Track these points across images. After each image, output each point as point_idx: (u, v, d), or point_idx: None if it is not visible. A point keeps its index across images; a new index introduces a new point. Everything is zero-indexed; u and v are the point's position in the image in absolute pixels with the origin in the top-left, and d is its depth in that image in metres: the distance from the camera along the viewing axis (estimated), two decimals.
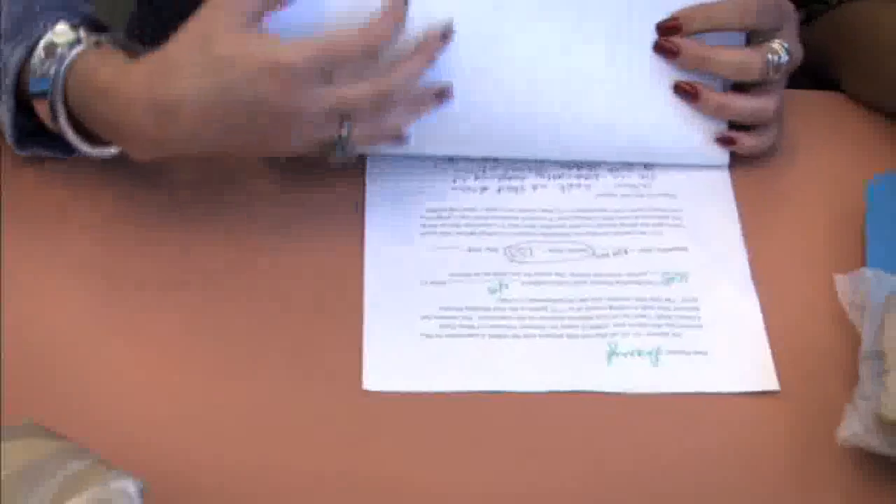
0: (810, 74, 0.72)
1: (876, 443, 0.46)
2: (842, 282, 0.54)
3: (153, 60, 0.53)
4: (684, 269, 0.59)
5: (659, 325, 0.56)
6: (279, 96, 0.51)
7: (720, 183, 0.64)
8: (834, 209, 0.62)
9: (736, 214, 0.62)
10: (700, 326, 0.56)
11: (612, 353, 0.55)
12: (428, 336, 0.56)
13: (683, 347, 0.55)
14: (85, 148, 0.57)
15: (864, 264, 0.55)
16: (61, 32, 0.55)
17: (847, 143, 0.67)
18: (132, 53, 0.56)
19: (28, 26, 0.56)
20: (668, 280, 0.58)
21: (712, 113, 0.63)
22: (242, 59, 0.51)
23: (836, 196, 0.62)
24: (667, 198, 0.63)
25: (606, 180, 0.64)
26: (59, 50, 0.55)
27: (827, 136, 0.68)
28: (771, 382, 0.53)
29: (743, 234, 0.61)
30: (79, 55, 0.55)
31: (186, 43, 0.53)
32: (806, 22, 0.71)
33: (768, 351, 0.54)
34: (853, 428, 0.47)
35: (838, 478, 0.48)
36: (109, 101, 0.54)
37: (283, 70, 0.51)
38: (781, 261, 0.60)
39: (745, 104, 0.62)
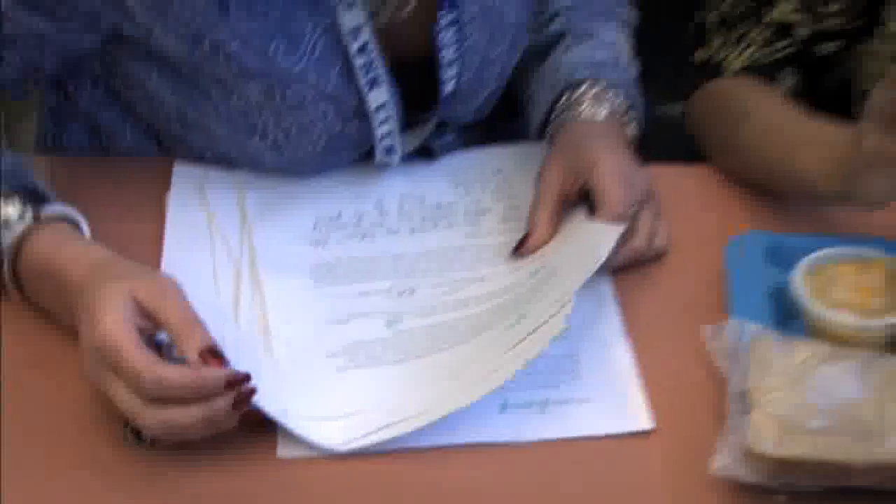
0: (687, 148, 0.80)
1: (744, 472, 0.51)
2: (708, 331, 0.59)
3: (93, 263, 0.58)
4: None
5: (545, 378, 0.60)
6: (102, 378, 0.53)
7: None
8: (699, 267, 0.68)
9: (609, 275, 0.68)
10: (580, 377, 0.61)
11: (504, 406, 0.58)
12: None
13: (567, 396, 0.59)
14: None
15: (727, 315, 0.61)
16: (8, 204, 0.60)
17: (711, 209, 0.75)
18: (74, 226, 0.62)
19: None
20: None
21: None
22: (104, 335, 0.52)
23: (701, 256, 0.69)
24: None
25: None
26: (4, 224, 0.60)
27: (693, 203, 0.75)
28: (647, 422, 0.57)
29: (616, 293, 0.66)
30: (24, 231, 0.60)
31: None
32: None
33: (643, 395, 0.59)
34: (724, 460, 0.51)
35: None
36: (53, 284, 0.59)
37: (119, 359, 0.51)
38: (653, 315, 0.66)
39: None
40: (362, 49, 0.68)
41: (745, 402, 0.54)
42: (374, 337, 0.63)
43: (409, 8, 0.67)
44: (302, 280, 0.68)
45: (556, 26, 0.80)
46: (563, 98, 0.74)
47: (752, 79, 0.80)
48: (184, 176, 0.75)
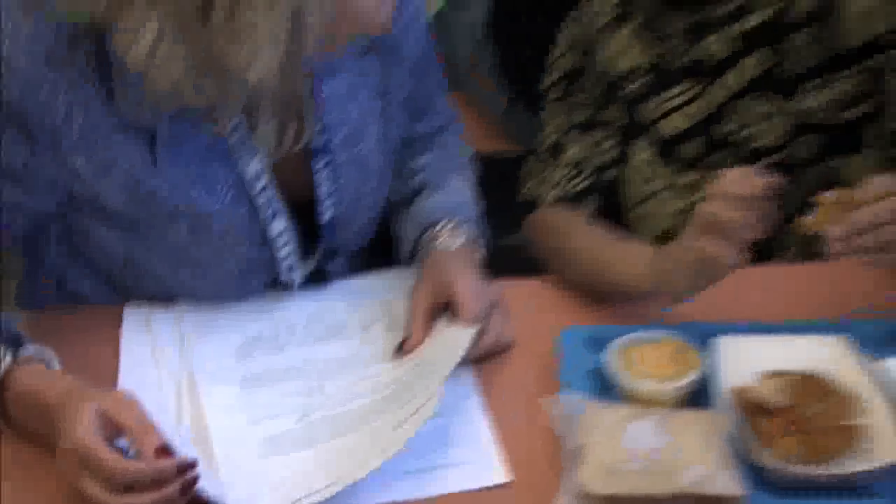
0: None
1: None
2: (546, 403, 0.76)
3: (66, 389, 0.72)
4: None
5: (426, 448, 0.75)
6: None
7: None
8: (538, 354, 0.85)
9: (470, 365, 0.85)
10: (452, 446, 0.77)
11: (397, 472, 0.72)
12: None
13: (444, 462, 0.75)
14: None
15: (560, 390, 0.78)
16: None
17: (545, 310, 0.93)
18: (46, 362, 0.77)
19: None
20: None
21: None
22: (78, 441, 0.66)
23: (539, 346, 0.86)
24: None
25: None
26: None
27: (531, 306, 0.94)
28: (505, 477, 0.73)
29: (477, 378, 0.84)
30: (6, 369, 0.73)
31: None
32: None
33: (501, 455, 0.75)
34: (566, 501, 0.67)
35: None
36: (34, 408, 0.72)
37: (90, 458, 0.65)
38: (506, 393, 0.83)
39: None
40: (263, 189, 0.84)
41: (578, 455, 0.70)
42: (290, 428, 0.78)
43: (299, 145, 0.84)
44: (232, 388, 0.83)
45: (418, 179, 1.00)
46: (427, 233, 0.93)
47: (563, 208, 1.01)
48: (132, 315, 0.91)
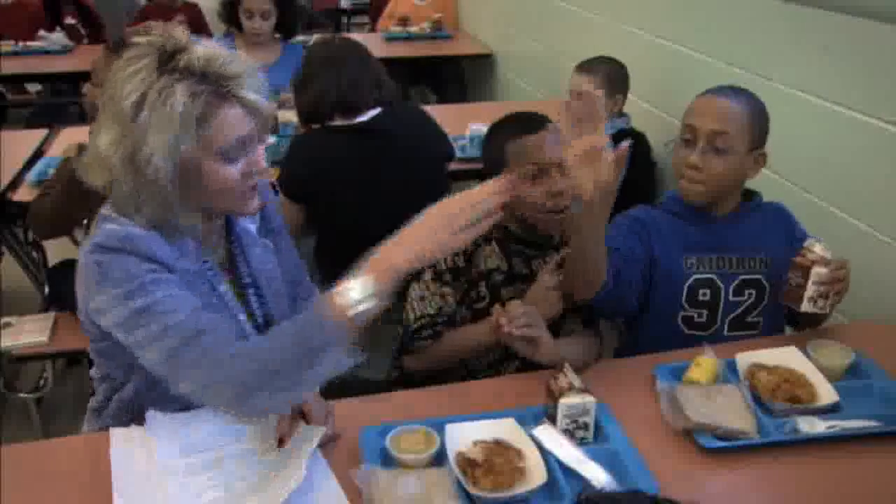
0: None
1: None
2: (354, 472, 1.30)
3: None
4: None
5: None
6: None
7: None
8: (351, 443, 1.40)
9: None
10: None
11: None
12: None
13: None
14: None
15: (362, 464, 1.33)
16: None
17: (353, 418, 1.48)
18: None
19: None
20: None
21: None
22: None
23: (352, 437, 1.41)
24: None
25: None
26: None
27: (347, 415, 1.48)
28: None
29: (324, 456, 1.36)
30: None
31: None
32: None
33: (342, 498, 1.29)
34: None
35: None
36: None
37: None
38: (340, 462, 1.35)
39: None
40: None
41: (373, 500, 1.25)
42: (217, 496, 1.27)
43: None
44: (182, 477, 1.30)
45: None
46: None
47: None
48: (118, 436, 1.38)
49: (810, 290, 1.68)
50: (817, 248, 1.70)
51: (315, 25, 5.05)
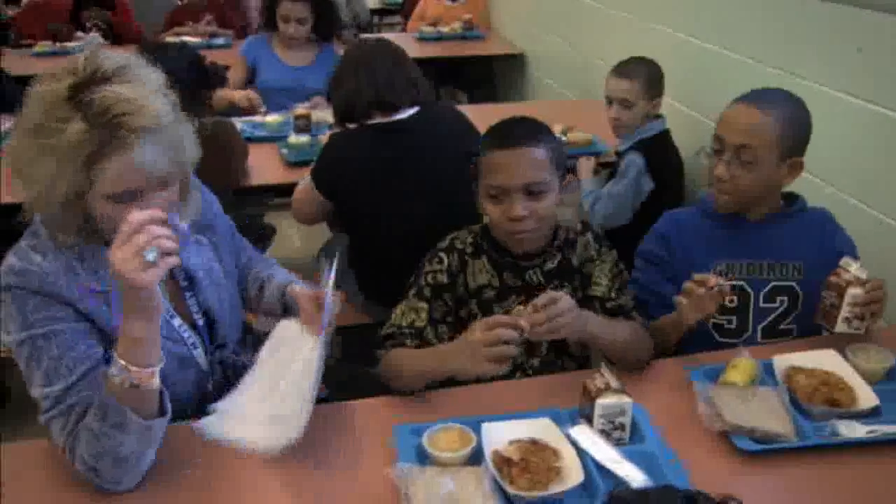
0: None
1: None
2: (390, 468, 1.31)
3: None
4: None
5: None
6: None
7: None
8: (378, 444, 1.41)
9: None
10: None
11: None
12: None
13: None
14: None
15: (395, 461, 1.34)
16: None
17: (380, 410, 1.49)
18: None
19: None
20: None
21: None
22: None
23: (383, 434, 1.42)
24: None
25: None
26: None
27: (382, 413, 1.49)
28: None
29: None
30: None
31: None
32: None
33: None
34: None
35: None
36: None
37: None
38: (369, 460, 1.36)
39: None
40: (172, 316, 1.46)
41: (410, 498, 1.26)
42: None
43: None
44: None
45: (259, 278, 1.71)
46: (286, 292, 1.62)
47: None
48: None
49: (845, 310, 1.65)
50: (853, 268, 1.67)
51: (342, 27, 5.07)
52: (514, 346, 1.42)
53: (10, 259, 1.33)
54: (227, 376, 1.57)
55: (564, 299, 1.48)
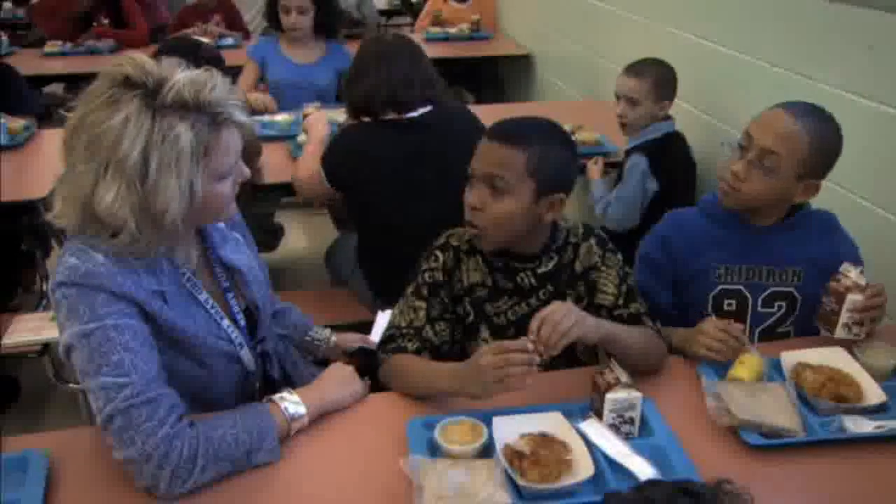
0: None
1: None
2: (403, 460, 1.32)
3: None
4: None
5: None
6: None
7: None
8: (393, 437, 1.43)
9: None
10: None
11: None
12: None
13: None
14: None
15: (408, 454, 1.36)
16: None
17: (400, 410, 1.51)
18: None
19: None
20: None
21: None
22: None
23: (396, 432, 1.44)
24: None
25: None
26: None
27: (394, 406, 1.51)
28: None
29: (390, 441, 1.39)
30: None
31: None
32: None
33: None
34: None
35: None
36: None
37: None
38: (386, 451, 1.38)
39: None
40: (212, 306, 1.47)
41: (422, 489, 1.27)
42: None
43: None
44: None
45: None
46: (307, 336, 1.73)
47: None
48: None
49: (844, 316, 1.66)
50: (852, 274, 1.67)
51: (354, 24, 5.08)
52: (535, 368, 1.39)
53: (71, 260, 1.31)
54: (265, 369, 1.63)
55: (554, 305, 1.45)
